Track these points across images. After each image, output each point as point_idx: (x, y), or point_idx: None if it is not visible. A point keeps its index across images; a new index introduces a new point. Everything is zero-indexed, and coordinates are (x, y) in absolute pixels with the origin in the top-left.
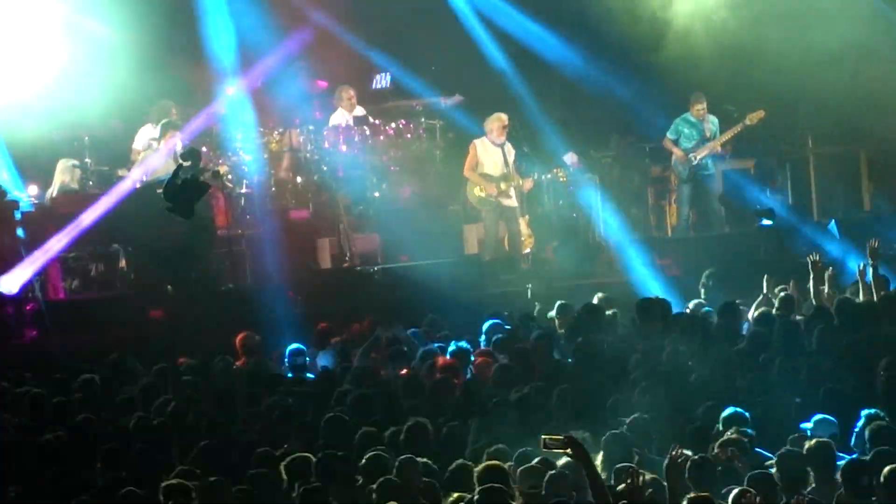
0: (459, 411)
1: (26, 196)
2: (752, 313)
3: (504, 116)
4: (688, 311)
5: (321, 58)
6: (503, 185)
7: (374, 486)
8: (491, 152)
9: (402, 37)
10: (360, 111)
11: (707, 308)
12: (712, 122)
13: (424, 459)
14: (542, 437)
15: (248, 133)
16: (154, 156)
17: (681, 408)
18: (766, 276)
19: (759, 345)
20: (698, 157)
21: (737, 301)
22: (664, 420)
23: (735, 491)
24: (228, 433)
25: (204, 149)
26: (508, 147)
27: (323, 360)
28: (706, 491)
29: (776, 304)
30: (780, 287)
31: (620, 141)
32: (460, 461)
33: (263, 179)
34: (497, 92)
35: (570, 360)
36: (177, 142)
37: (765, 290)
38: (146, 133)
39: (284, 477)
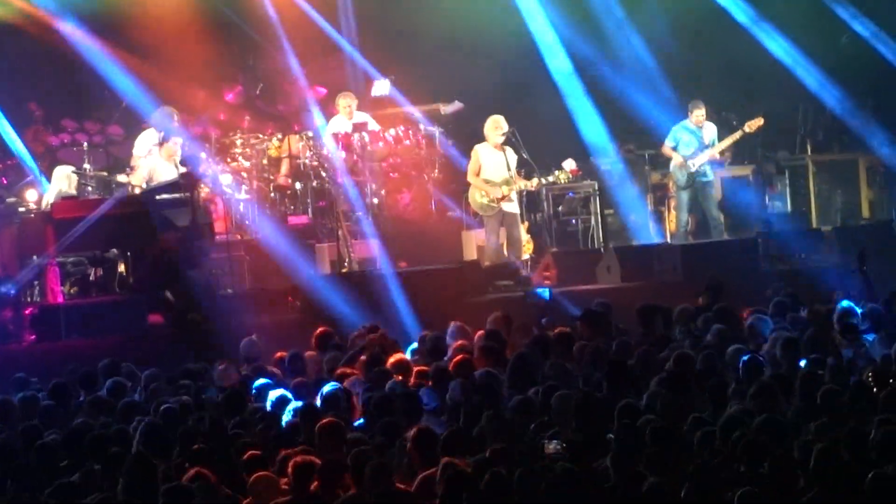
0: None
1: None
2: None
3: (501, 120)
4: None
5: (321, 64)
6: (506, 189)
7: None
8: (493, 157)
9: (401, 42)
10: (361, 117)
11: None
12: (709, 130)
13: None
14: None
15: (247, 139)
16: (155, 160)
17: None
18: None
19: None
20: (697, 164)
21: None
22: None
23: None
24: (225, 436)
25: (203, 154)
26: (509, 151)
27: None
28: None
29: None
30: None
31: (619, 147)
32: None
33: (262, 185)
34: (497, 98)
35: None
36: (178, 148)
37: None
38: (147, 139)
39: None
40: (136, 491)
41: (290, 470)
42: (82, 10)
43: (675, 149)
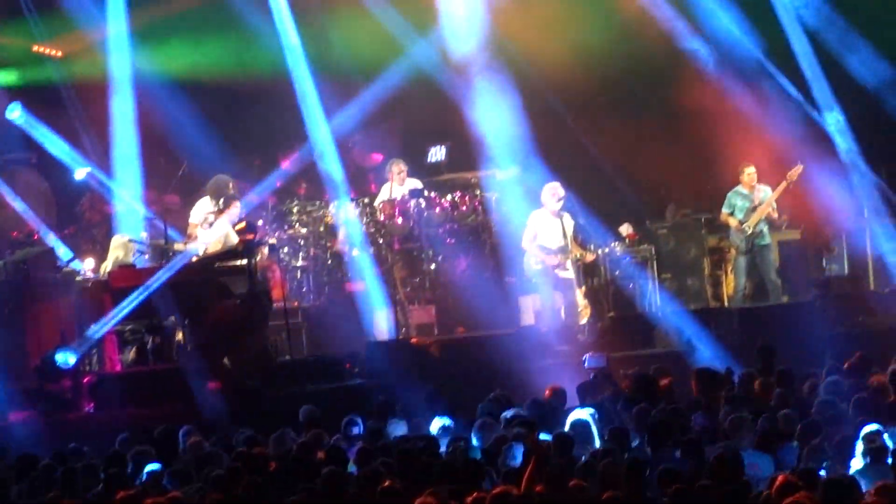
0: None
1: (82, 269)
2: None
3: (558, 186)
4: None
5: (376, 130)
6: (560, 257)
7: None
8: (548, 223)
9: (456, 109)
10: (414, 183)
11: None
12: (763, 192)
13: None
14: None
15: (304, 206)
16: (213, 228)
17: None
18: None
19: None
20: (752, 225)
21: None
22: None
23: None
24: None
25: (260, 222)
26: (566, 217)
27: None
28: None
29: None
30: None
31: (676, 211)
32: None
33: (319, 252)
34: (553, 163)
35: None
36: (236, 213)
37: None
38: (203, 207)
39: None
40: None
41: None
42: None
43: (731, 214)
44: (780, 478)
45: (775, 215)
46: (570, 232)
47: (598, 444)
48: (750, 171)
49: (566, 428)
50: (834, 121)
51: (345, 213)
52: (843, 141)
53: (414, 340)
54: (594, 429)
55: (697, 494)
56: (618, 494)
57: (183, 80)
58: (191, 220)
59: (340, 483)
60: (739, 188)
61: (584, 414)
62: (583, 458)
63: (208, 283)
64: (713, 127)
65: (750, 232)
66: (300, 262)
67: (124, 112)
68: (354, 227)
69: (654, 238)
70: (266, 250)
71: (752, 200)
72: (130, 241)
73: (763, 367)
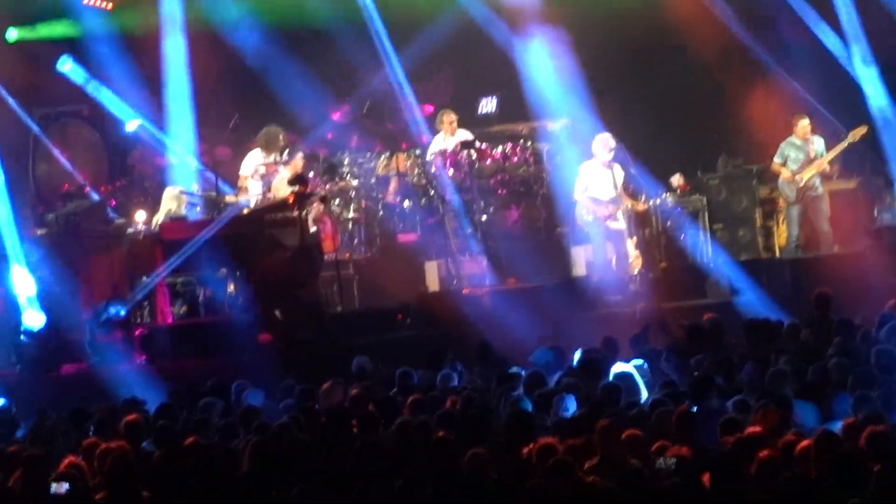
0: None
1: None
2: None
3: (609, 137)
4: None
5: (428, 82)
6: (612, 208)
7: None
8: (600, 174)
9: (507, 60)
10: (465, 135)
11: None
12: (817, 143)
13: None
14: None
15: (355, 158)
16: (277, 177)
17: None
18: None
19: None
20: (805, 179)
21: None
22: None
23: None
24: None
25: (311, 174)
26: (617, 168)
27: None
28: None
29: None
30: None
31: (728, 162)
32: None
33: (371, 204)
34: (603, 114)
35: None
36: (301, 164)
37: None
38: (253, 159)
39: None
40: None
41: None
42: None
43: (783, 165)
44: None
45: (828, 168)
46: (620, 183)
47: (644, 395)
48: (804, 123)
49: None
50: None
51: (396, 165)
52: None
53: (465, 291)
54: (640, 380)
55: (749, 444)
56: (667, 444)
57: (234, 30)
58: (241, 173)
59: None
60: (793, 139)
61: (627, 367)
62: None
63: (259, 236)
64: (764, 77)
65: (802, 184)
66: (351, 214)
67: (176, 62)
68: (406, 178)
69: (706, 189)
70: (318, 203)
71: (807, 152)
72: (182, 193)
73: (819, 316)
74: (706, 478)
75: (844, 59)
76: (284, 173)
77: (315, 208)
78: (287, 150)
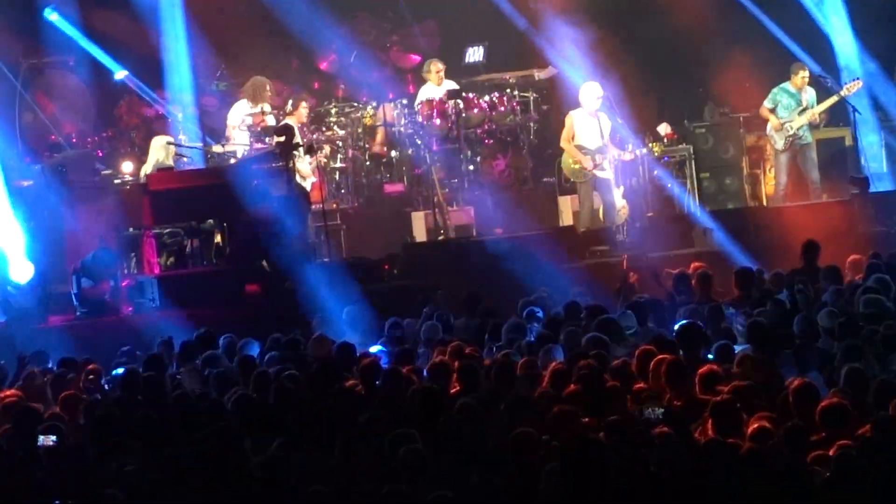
0: None
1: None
2: None
3: (597, 86)
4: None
5: (414, 31)
6: (598, 158)
7: None
8: (587, 123)
9: (494, 8)
10: (450, 85)
11: None
12: (809, 93)
13: None
14: None
15: (342, 108)
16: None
17: None
18: None
19: None
20: (795, 127)
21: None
22: None
23: None
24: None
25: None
26: (604, 117)
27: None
28: None
29: None
30: None
31: (714, 111)
32: None
33: (358, 154)
34: (592, 62)
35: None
36: (305, 113)
37: None
38: (240, 109)
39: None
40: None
41: None
42: None
43: (773, 111)
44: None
45: (817, 118)
46: (608, 132)
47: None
48: (804, 74)
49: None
50: None
51: (383, 115)
52: None
53: (452, 241)
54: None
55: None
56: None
57: None
58: (228, 123)
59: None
60: (787, 85)
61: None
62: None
63: (246, 186)
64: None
65: (791, 133)
66: (338, 164)
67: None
68: (392, 128)
69: (693, 137)
70: (314, 155)
71: (801, 101)
72: (169, 143)
73: (806, 265)
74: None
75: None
76: (291, 120)
77: (314, 159)
78: (291, 101)
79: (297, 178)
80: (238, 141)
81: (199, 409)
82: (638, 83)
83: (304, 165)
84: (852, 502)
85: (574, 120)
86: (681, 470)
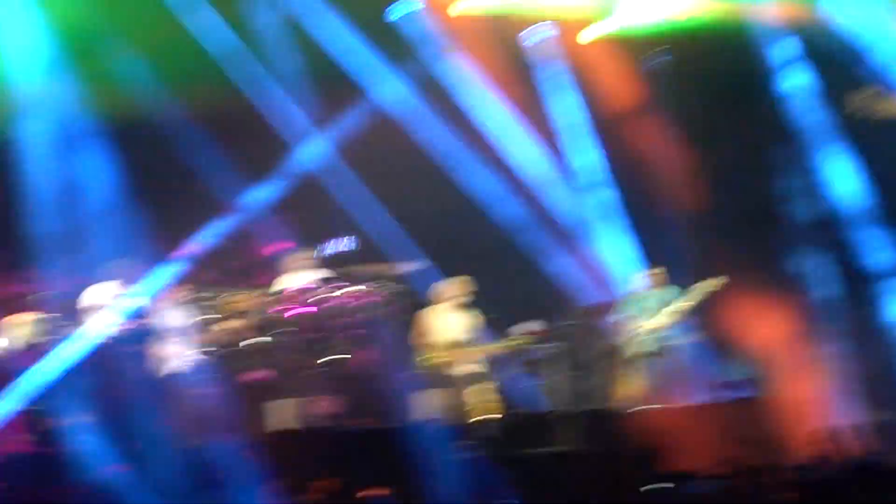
0: None
1: None
2: None
3: (460, 281)
4: None
5: (285, 218)
6: (457, 353)
7: None
8: (449, 318)
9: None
10: (320, 273)
11: None
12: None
13: None
14: None
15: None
16: None
17: None
18: None
19: None
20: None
21: None
22: None
23: None
24: None
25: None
26: (466, 313)
27: None
28: None
29: None
30: None
31: (583, 309)
32: None
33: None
34: (456, 261)
35: None
36: None
37: None
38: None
39: None
40: None
41: None
42: None
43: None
44: None
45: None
46: (471, 327)
47: None
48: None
49: None
50: None
51: (241, 303)
52: None
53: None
54: None
55: None
56: None
57: None
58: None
59: None
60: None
61: None
62: None
63: None
64: None
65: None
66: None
67: None
68: (256, 315)
69: (561, 335)
70: None
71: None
72: None
73: None
74: None
75: None
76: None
77: None
78: None
79: None
80: None
81: None
82: (507, 280)
83: None
84: None
85: (435, 315)
86: None
